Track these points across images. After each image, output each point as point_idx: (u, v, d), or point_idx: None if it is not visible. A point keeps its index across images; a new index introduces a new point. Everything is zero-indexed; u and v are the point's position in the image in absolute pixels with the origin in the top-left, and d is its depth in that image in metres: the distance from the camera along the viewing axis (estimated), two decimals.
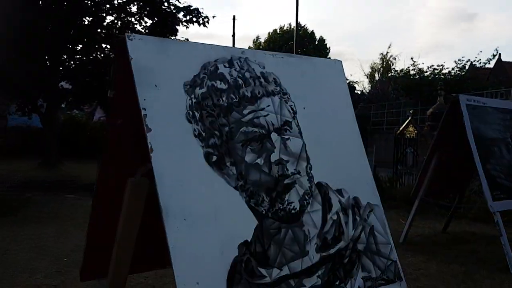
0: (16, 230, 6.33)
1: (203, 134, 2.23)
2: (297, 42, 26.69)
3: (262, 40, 41.18)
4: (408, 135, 10.55)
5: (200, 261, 1.99)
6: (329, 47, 40.59)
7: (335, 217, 2.58)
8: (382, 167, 12.46)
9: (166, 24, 13.59)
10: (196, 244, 1.99)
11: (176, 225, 1.95)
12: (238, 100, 2.39)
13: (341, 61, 3.06)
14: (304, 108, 2.68)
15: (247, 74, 2.48)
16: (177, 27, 14.01)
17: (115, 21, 13.72)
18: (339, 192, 2.66)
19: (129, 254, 2.71)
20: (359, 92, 32.81)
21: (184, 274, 1.91)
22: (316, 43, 38.92)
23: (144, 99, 2.08)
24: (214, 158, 2.22)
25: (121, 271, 2.74)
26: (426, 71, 22.57)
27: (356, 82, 36.21)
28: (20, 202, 8.01)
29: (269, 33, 39.98)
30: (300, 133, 2.61)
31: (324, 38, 41.55)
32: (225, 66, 2.42)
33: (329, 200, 2.59)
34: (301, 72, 2.77)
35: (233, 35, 28.07)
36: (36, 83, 12.48)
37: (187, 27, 14.17)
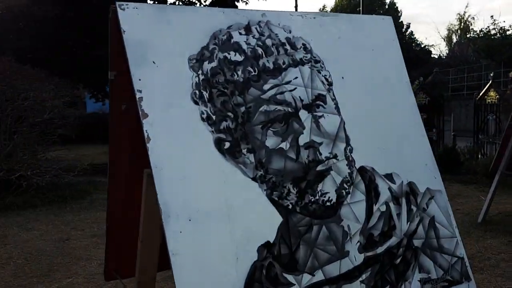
0: (81, 215, 6.44)
1: (213, 117, 1.87)
2: (365, 7, 25.28)
3: (328, 9, 39.68)
4: (489, 101, 9.51)
5: (210, 270, 1.66)
6: (401, 10, 38.25)
7: (383, 209, 2.14)
8: (461, 137, 11.48)
9: (225, 1, 13.27)
10: (204, 249, 1.66)
11: (178, 227, 1.63)
12: (258, 74, 2.00)
13: (390, 17, 2.54)
14: (342, 78, 2.23)
15: (268, 42, 2.07)
16: (237, 3, 13.66)
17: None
18: (389, 177, 2.20)
19: (154, 251, 2.46)
20: (436, 57, 30.75)
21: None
22: (387, 7, 36.78)
23: (140, 79, 1.75)
24: (227, 144, 1.87)
25: (148, 269, 2.50)
26: (509, 29, 20.60)
27: (432, 45, 33.92)
28: (87, 187, 8.19)
29: (336, 0, 38.39)
30: (338, 108, 2.17)
31: (395, 1, 39.21)
32: (240, 34, 2.03)
33: (376, 188, 2.15)
34: (339, 34, 2.31)
35: (296, 6, 27.01)
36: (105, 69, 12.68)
37: (246, 3, 13.79)
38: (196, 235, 1.66)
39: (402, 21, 34.78)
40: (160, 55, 1.83)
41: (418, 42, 34.26)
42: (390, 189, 2.18)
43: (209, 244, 1.67)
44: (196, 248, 1.64)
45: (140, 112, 1.70)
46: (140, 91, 1.73)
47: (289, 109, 2.02)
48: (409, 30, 34.82)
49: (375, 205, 2.12)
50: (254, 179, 1.88)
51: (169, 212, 1.62)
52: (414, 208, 2.22)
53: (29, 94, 7.45)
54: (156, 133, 1.70)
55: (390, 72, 2.39)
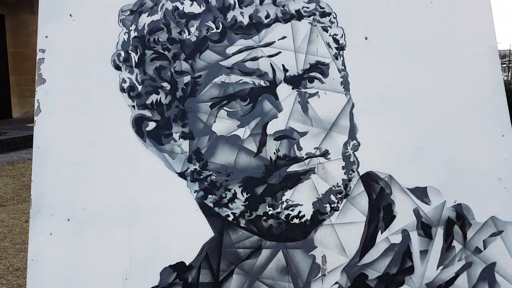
0: None
1: (139, 87, 1.43)
2: None
3: None
4: None
5: None
6: None
7: (396, 239, 1.41)
8: None
9: None
10: (80, 261, 1.29)
11: (49, 228, 1.28)
12: (221, 31, 1.45)
13: None
14: (366, 39, 1.50)
15: None
16: None
17: None
18: (420, 193, 1.44)
19: None
20: None
21: None
22: None
23: (46, 36, 1.41)
24: (152, 125, 1.41)
25: None
26: None
27: None
28: None
29: None
30: (346, 84, 1.47)
31: None
32: None
33: (389, 206, 1.42)
34: None
35: None
36: None
37: None
38: (72, 240, 1.29)
39: None
40: (83, 6, 1.45)
41: None
42: (417, 211, 1.42)
43: (89, 254, 1.30)
44: (68, 258, 1.28)
45: (37, 77, 1.37)
46: (43, 51, 1.40)
47: (262, 82, 1.43)
48: None
49: (382, 232, 1.41)
50: (181, 174, 1.39)
51: (41, 207, 1.28)
52: (457, 246, 1.42)
53: None
54: (50, 104, 1.36)
55: (460, 28, 1.53)
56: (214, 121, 1.41)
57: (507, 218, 1.43)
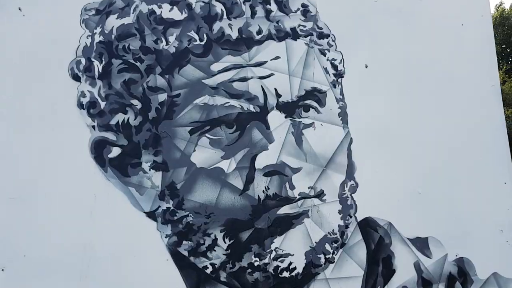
0: None
1: (102, 103, 1.16)
2: None
3: (506, 6, 35.12)
4: None
5: None
6: None
7: None
8: None
9: None
10: None
11: None
12: (206, 44, 1.23)
13: None
14: (366, 67, 1.34)
15: None
16: None
17: None
18: (421, 244, 1.28)
19: None
20: None
21: None
22: None
23: None
24: (116, 151, 1.15)
25: None
26: None
27: None
28: None
29: None
30: (344, 115, 1.30)
31: None
32: None
33: (389, 260, 1.25)
34: None
35: None
36: None
37: None
38: None
39: None
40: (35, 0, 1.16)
41: None
42: (418, 265, 1.26)
43: None
44: None
45: None
46: None
47: (251, 107, 1.21)
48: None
49: None
50: (151, 214, 1.13)
51: None
52: None
53: None
54: None
55: (463, 64, 1.42)
56: (194, 150, 1.17)
57: (509, 275, 1.30)
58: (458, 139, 1.35)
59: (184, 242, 1.13)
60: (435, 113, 1.35)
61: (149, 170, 1.15)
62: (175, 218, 1.14)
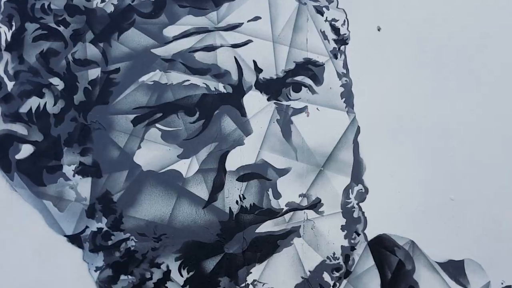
0: None
1: (9, 83, 0.84)
2: None
3: None
4: None
5: None
6: None
7: None
8: None
9: None
10: None
11: None
12: (156, 1, 0.89)
13: None
14: (379, 29, 0.99)
15: None
16: None
17: None
18: (455, 270, 0.94)
19: None
20: None
21: None
22: None
23: None
24: (26, 150, 0.82)
25: None
26: None
27: None
28: None
29: None
30: (349, 96, 0.96)
31: None
32: None
33: None
34: None
35: None
36: None
37: None
38: None
39: None
40: None
41: None
42: None
43: None
44: None
45: None
46: None
47: (220, 86, 0.88)
48: None
49: None
50: (74, 238, 0.81)
51: None
52: None
53: None
54: None
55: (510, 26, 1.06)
56: (139, 147, 0.84)
57: None
58: (504, 129, 1.00)
59: (123, 277, 0.81)
60: (473, 92, 1.00)
61: (73, 176, 0.83)
62: (110, 243, 0.82)
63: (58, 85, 0.84)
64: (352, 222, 0.91)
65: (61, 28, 0.86)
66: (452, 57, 1.00)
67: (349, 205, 0.91)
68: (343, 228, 0.90)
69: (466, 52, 1.01)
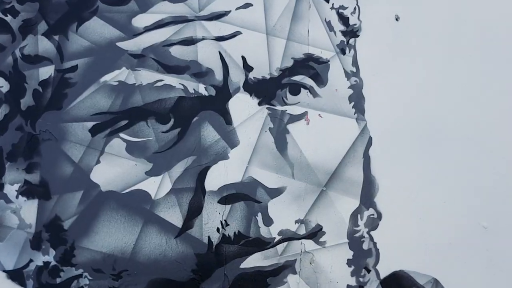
0: None
1: None
2: None
3: None
4: None
5: None
6: None
7: None
8: None
9: None
10: None
11: None
12: None
13: None
14: (397, 19, 0.82)
15: None
16: None
17: None
18: None
19: None
20: None
21: None
22: None
23: None
24: None
25: None
26: None
27: None
28: None
29: None
30: (359, 100, 0.78)
31: None
32: None
33: None
34: None
35: None
36: None
37: None
38: None
39: None
40: None
41: None
42: None
43: None
44: None
45: None
46: None
47: (201, 88, 0.72)
48: None
49: None
50: (15, 274, 0.66)
51: None
52: None
53: None
54: None
55: None
56: (98, 161, 0.69)
57: None
58: None
59: None
60: (510, 96, 0.82)
61: (17, 197, 0.68)
62: (59, 280, 0.67)
63: (2, 86, 0.70)
64: (361, 255, 0.74)
65: (9, 18, 0.72)
66: (488, 52, 0.82)
67: (357, 234, 0.74)
68: (349, 262, 0.73)
69: (506, 45, 0.83)
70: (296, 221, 0.73)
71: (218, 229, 0.70)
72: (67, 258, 0.67)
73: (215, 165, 0.72)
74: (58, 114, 0.70)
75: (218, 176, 0.72)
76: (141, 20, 0.73)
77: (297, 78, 0.76)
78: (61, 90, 0.70)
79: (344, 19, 0.80)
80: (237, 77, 0.74)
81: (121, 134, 0.70)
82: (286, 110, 0.75)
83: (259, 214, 0.71)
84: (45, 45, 0.71)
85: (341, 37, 0.79)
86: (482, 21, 0.83)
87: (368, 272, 0.74)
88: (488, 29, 0.83)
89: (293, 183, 0.73)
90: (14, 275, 0.66)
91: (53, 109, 0.70)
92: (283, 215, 0.72)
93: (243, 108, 0.74)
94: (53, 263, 0.67)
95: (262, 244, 0.71)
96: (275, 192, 0.72)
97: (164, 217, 0.70)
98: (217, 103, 0.73)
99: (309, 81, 0.77)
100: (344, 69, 0.79)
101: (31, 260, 0.67)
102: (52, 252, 0.67)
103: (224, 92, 0.73)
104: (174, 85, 0.72)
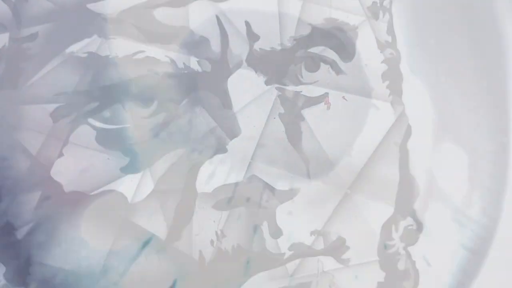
0: None
1: None
2: None
3: None
4: None
5: None
6: None
7: None
8: None
9: None
10: None
11: None
12: None
13: None
14: None
15: None
16: None
17: None
18: None
19: None
20: None
21: None
22: None
23: None
24: None
25: None
26: None
27: None
28: None
29: None
30: (394, 80, 0.62)
31: None
32: None
33: None
34: None
35: None
36: None
37: None
38: None
39: None
40: None
41: None
42: None
43: None
44: None
45: None
46: None
47: (193, 62, 0.57)
48: None
49: None
50: None
51: None
52: None
53: None
54: None
55: None
56: (61, 154, 0.55)
57: None
58: None
59: None
60: None
61: None
62: None
63: None
64: (396, 277, 0.58)
65: None
66: None
67: (391, 250, 0.58)
68: (380, 286, 0.57)
69: None
70: (312, 233, 0.57)
71: (212, 242, 0.56)
72: (20, 276, 0.53)
73: (209, 160, 0.57)
74: (12, 94, 0.56)
75: (213, 175, 0.57)
76: None
77: (316, 50, 0.60)
78: (17, 64, 0.56)
79: None
80: (239, 48, 0.59)
81: (90, 120, 0.56)
82: (301, 91, 0.59)
83: (265, 223, 0.56)
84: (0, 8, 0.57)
85: (371, 8, 0.62)
86: None
87: None
88: None
89: (309, 184, 0.58)
90: None
91: (6, 89, 0.56)
92: (295, 224, 0.57)
93: (246, 88, 0.59)
94: (3, 282, 0.53)
95: (268, 261, 0.56)
96: (285, 195, 0.57)
97: (144, 225, 0.55)
98: (213, 82, 0.58)
99: (331, 54, 0.60)
100: (376, 38, 0.62)
101: None
102: (2, 268, 0.53)
103: (222, 68, 0.58)
104: (158, 58, 0.57)
